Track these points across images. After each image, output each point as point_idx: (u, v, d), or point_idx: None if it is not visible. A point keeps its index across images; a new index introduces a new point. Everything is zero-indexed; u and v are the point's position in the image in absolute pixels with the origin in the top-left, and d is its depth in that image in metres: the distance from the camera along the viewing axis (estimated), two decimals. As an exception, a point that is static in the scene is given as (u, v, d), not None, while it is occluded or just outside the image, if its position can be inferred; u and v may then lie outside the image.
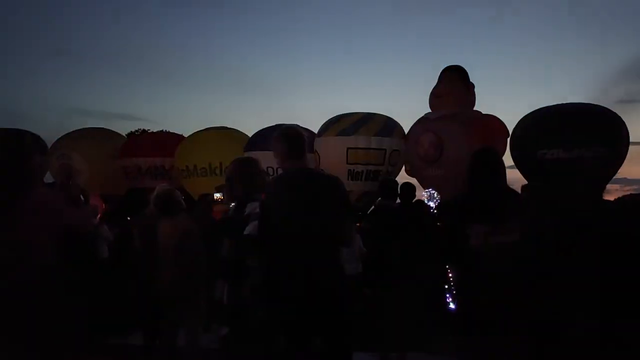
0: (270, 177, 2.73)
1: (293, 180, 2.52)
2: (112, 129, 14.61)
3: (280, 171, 2.75)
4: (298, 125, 2.72)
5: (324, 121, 11.02)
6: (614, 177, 10.11)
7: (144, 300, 4.21)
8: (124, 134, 15.61)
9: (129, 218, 9.60)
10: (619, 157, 10.01)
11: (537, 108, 10.60)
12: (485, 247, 2.50)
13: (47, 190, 2.74)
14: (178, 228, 3.67)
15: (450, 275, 5.01)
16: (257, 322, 2.41)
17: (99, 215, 5.80)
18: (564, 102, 10.39)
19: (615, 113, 10.16)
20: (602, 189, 3.99)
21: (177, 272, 3.53)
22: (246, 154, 10.70)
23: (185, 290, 3.45)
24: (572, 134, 9.72)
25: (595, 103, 10.36)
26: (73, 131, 13.87)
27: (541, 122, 10.06)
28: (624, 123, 10.07)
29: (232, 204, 3.40)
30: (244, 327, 2.40)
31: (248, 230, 2.38)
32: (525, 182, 9.35)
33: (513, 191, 2.74)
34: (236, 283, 2.40)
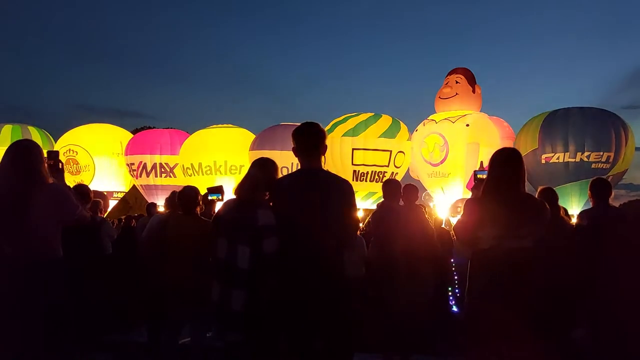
0: (276, 179, 2.63)
1: (296, 183, 2.48)
2: (118, 126, 14.69)
3: (285, 171, 2.69)
4: (315, 123, 2.54)
5: (330, 121, 11.03)
6: (620, 183, 10.11)
7: (154, 297, 4.19)
8: (129, 131, 15.64)
9: (134, 215, 9.65)
10: (625, 162, 10.00)
11: (542, 112, 10.61)
12: (495, 251, 2.48)
13: (55, 185, 2.75)
14: (197, 226, 3.68)
15: (455, 277, 5.01)
16: (272, 327, 2.37)
17: (102, 211, 5.79)
18: (570, 106, 10.39)
19: (621, 118, 10.15)
20: (608, 194, 3.97)
21: (191, 269, 3.53)
22: (251, 153, 10.72)
23: (197, 287, 3.45)
24: (577, 139, 9.74)
25: (602, 108, 10.36)
26: (79, 127, 13.94)
27: (546, 125, 10.07)
28: (629, 129, 10.05)
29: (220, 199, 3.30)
30: (261, 335, 2.35)
31: (269, 248, 2.35)
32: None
33: (530, 196, 2.71)
34: (255, 292, 2.35)
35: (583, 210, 4.50)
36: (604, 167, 9.61)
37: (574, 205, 9.05)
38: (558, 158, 9.87)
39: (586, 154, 9.65)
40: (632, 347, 3.18)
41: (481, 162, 3.08)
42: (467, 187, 9.85)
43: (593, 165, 9.59)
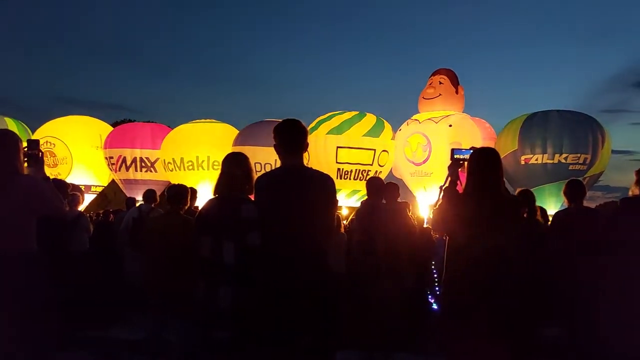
0: (258, 176, 2.63)
1: (278, 180, 2.47)
2: (98, 118, 14.40)
3: (268, 167, 2.68)
4: (297, 120, 2.54)
5: (314, 118, 11.02)
6: (597, 185, 10.36)
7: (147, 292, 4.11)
8: (109, 124, 15.34)
9: (112, 209, 9.50)
10: (601, 164, 10.24)
11: (523, 114, 10.78)
12: (472, 248, 2.52)
13: (28, 177, 2.69)
14: (181, 223, 3.64)
15: (435, 275, 5.06)
16: (259, 323, 2.35)
17: (79, 205, 5.69)
18: (550, 108, 10.58)
19: (598, 121, 10.39)
20: (582, 195, 4.06)
21: (174, 266, 3.50)
22: (234, 149, 10.63)
23: (178, 284, 3.42)
24: (555, 141, 9.93)
25: (580, 111, 10.58)
26: (58, 119, 13.64)
27: (525, 127, 10.25)
28: (606, 132, 10.29)
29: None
30: (249, 332, 2.34)
31: (253, 241, 2.35)
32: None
33: (509, 195, 2.75)
34: (243, 289, 2.34)
35: (558, 211, 4.60)
36: (580, 168, 9.83)
37: (551, 206, 9.23)
38: (537, 159, 10.05)
39: (564, 155, 9.85)
40: (608, 344, 3.25)
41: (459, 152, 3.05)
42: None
43: (570, 167, 9.79)
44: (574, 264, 3.69)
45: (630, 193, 3.16)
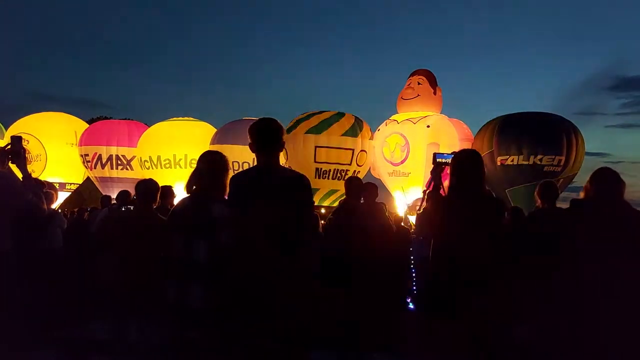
0: (232, 175, 2.60)
1: (252, 180, 2.45)
2: (73, 115, 14.10)
3: (246, 166, 2.66)
4: (273, 119, 2.52)
5: (293, 118, 11.00)
6: (571, 186, 10.58)
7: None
8: (85, 121, 15.03)
9: (88, 208, 9.31)
10: (575, 166, 10.48)
11: (499, 115, 10.97)
12: (457, 247, 2.56)
13: (5, 173, 2.62)
14: (154, 220, 3.59)
15: (413, 275, 5.10)
16: (230, 322, 2.34)
17: (53, 203, 5.57)
18: (526, 110, 10.78)
19: (572, 124, 10.63)
20: (554, 196, 4.15)
21: (145, 265, 3.45)
22: (212, 147, 10.54)
23: (143, 283, 3.37)
24: (530, 142, 10.13)
25: (556, 113, 10.80)
26: (32, 115, 13.32)
27: (501, 128, 10.42)
28: (580, 134, 10.54)
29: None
30: (220, 331, 2.32)
31: (224, 240, 2.34)
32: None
33: (492, 195, 2.79)
34: (214, 288, 2.32)
35: (530, 211, 4.71)
36: (555, 170, 10.03)
37: (526, 207, 9.42)
38: (512, 160, 10.22)
39: (539, 157, 10.03)
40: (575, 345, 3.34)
41: (437, 145, 3.15)
42: (425, 185, 10.07)
43: (545, 168, 9.98)
44: (544, 263, 3.76)
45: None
